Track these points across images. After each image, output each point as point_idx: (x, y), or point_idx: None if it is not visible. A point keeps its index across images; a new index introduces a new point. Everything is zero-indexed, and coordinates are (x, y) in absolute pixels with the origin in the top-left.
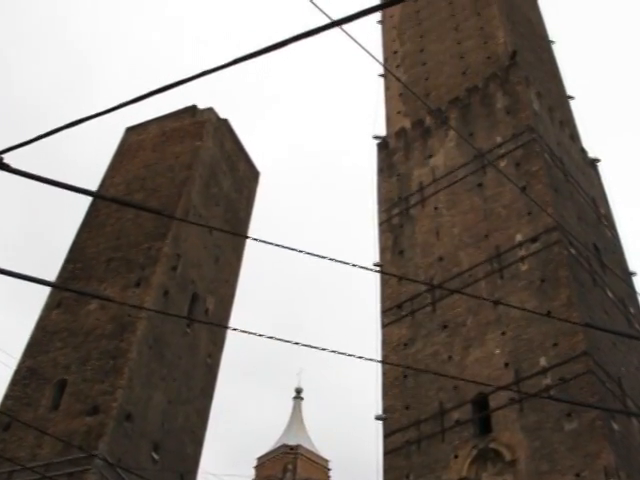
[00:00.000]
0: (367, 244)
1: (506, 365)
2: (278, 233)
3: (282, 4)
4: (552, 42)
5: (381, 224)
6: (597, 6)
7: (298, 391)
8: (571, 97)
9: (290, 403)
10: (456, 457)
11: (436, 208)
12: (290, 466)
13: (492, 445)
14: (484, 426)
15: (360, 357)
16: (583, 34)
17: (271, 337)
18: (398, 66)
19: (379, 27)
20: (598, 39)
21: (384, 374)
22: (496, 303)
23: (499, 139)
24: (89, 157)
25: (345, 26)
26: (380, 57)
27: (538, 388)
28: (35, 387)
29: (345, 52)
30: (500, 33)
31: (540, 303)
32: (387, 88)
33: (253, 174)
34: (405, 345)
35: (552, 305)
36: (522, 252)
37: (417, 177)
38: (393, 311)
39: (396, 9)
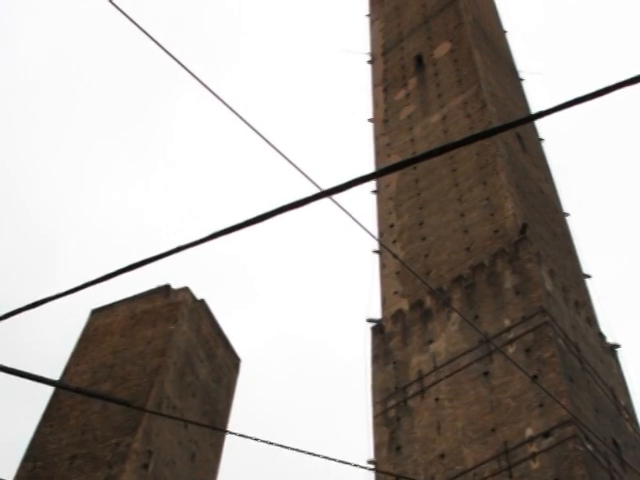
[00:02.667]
0: (360, 439)
1: None
2: (261, 427)
3: (267, 173)
4: (567, 215)
5: (376, 417)
6: (615, 179)
7: None
8: (588, 276)
9: None
10: None
11: (437, 399)
12: None
13: None
14: None
15: None
16: (601, 207)
17: None
18: (395, 241)
19: (374, 197)
20: (617, 213)
21: None
22: None
23: (507, 322)
24: (51, 342)
25: (336, 196)
26: (375, 231)
27: None
28: None
29: (336, 225)
30: (508, 204)
31: None
32: (383, 266)
33: (233, 361)
34: None
35: None
36: (533, 448)
37: (416, 365)
38: None
39: (393, 177)
